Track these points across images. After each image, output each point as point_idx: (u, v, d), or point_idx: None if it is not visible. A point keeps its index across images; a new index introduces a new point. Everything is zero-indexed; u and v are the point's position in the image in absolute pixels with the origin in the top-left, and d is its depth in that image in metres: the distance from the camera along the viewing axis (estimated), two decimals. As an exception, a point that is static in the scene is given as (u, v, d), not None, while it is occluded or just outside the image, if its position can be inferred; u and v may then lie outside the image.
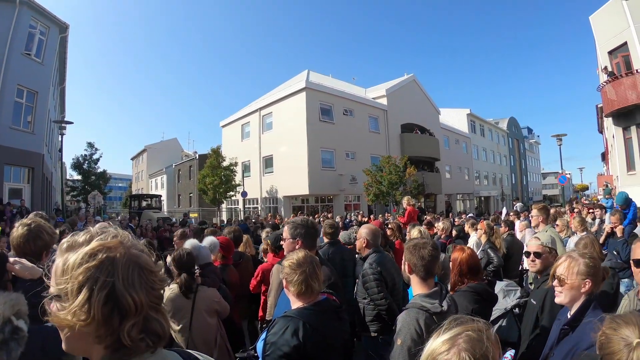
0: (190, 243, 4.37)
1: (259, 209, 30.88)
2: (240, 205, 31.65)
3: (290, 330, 2.22)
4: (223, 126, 37.82)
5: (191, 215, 28.86)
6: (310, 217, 16.65)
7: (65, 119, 21.48)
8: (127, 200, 47.22)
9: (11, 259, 2.03)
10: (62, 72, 25.50)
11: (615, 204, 8.99)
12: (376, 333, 3.88)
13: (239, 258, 5.62)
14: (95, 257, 0.98)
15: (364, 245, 4.31)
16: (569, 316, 2.43)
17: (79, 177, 34.42)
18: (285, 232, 3.59)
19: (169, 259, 3.96)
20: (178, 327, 3.60)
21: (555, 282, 2.47)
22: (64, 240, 1.06)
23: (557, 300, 2.48)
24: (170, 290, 3.72)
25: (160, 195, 38.89)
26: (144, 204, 33.17)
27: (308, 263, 2.47)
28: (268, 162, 30.64)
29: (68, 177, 35.22)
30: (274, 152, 29.71)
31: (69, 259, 0.99)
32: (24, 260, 2.11)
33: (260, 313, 4.96)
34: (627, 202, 8.13)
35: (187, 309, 3.66)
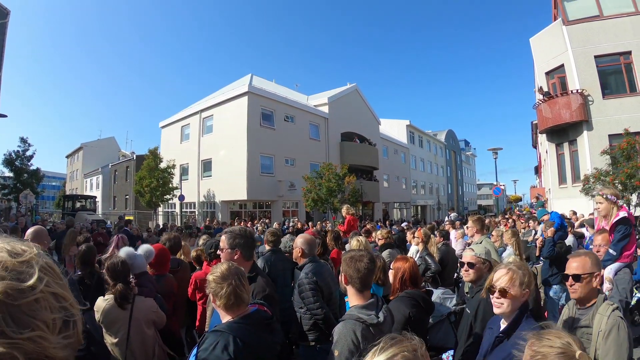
0: (124, 251, 4.27)
1: (196, 213, 30.46)
2: (178, 209, 31.02)
3: (221, 346, 2.16)
4: (162, 127, 36.86)
5: (127, 217, 28.08)
6: (249, 226, 16.92)
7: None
8: (61, 201, 45.12)
9: None
10: (-4, 59, 24.00)
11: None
12: (314, 342, 3.90)
13: (177, 265, 5.49)
14: None
15: (299, 255, 4.33)
16: (501, 325, 2.52)
17: (11, 175, 32.44)
18: (223, 241, 3.50)
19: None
20: (115, 340, 3.50)
21: (496, 294, 2.49)
22: None
23: (498, 311, 2.51)
24: (106, 301, 3.57)
25: (95, 197, 37.53)
26: (78, 205, 31.97)
27: (233, 275, 2.41)
28: (207, 166, 30.22)
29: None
30: (213, 156, 29.36)
31: None
32: None
33: (197, 323, 4.93)
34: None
35: (124, 321, 3.53)
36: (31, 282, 0.83)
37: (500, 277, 2.51)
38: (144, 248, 4.67)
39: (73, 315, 0.89)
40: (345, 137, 36.07)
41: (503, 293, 2.45)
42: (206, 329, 4.37)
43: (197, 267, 5.77)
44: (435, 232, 8.74)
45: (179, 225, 21.91)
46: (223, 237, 3.53)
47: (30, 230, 4.69)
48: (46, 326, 0.82)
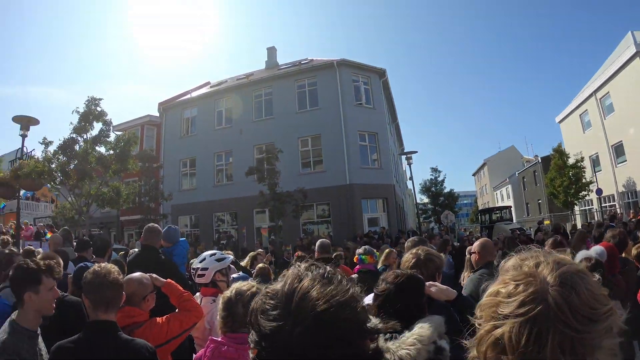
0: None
1: (617, 206, 26.44)
2: (595, 205, 27.88)
3: None
4: (559, 121, 34.94)
5: (545, 222, 27.22)
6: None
7: (406, 150, 24.40)
8: (476, 216, 48.44)
9: (427, 283, 2.22)
10: (392, 111, 29.17)
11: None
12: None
13: (624, 265, 4.74)
14: None
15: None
16: None
17: (428, 200, 37.86)
18: None
19: None
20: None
21: None
22: None
23: None
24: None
25: (510, 206, 38.29)
26: (494, 217, 33.25)
27: None
28: (618, 151, 26.06)
29: (419, 201, 39.10)
30: (622, 138, 25.11)
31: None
32: (437, 284, 2.36)
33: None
34: None
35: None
36: None
37: None
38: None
39: None
40: None
41: None
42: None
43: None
44: None
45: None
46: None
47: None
48: None
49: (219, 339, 2.32)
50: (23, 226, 15.46)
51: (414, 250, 2.93)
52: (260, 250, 8.44)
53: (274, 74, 24.84)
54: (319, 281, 0.95)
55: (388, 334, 1.46)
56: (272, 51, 29.28)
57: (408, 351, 1.43)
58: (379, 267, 6.07)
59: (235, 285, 2.48)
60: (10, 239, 9.94)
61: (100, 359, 2.14)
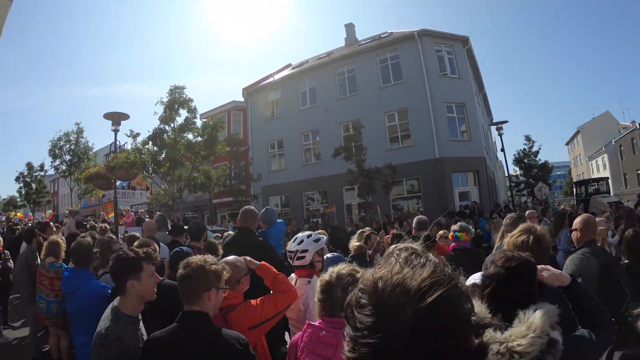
0: None
1: None
2: None
3: None
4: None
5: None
6: None
7: (494, 120, 23.31)
8: (570, 188, 45.60)
9: (539, 267, 2.05)
10: (478, 80, 27.80)
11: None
12: None
13: None
14: None
15: None
16: None
17: (520, 172, 36.11)
18: None
19: None
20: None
21: None
22: None
23: None
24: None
25: (607, 178, 35.62)
26: (590, 189, 31.05)
27: None
28: None
29: (512, 173, 37.35)
30: None
31: None
32: (550, 267, 2.14)
33: None
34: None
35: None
36: None
37: None
38: None
39: None
40: None
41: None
42: None
43: None
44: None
45: None
46: None
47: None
48: None
49: (317, 324, 2.26)
50: (124, 213, 16.56)
51: (521, 228, 2.67)
52: (367, 227, 8.23)
53: (355, 50, 24.58)
54: (418, 271, 0.83)
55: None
56: (350, 28, 28.96)
57: (520, 343, 1.31)
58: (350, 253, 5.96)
59: (335, 269, 2.40)
60: (108, 227, 10.65)
61: (191, 350, 2.12)
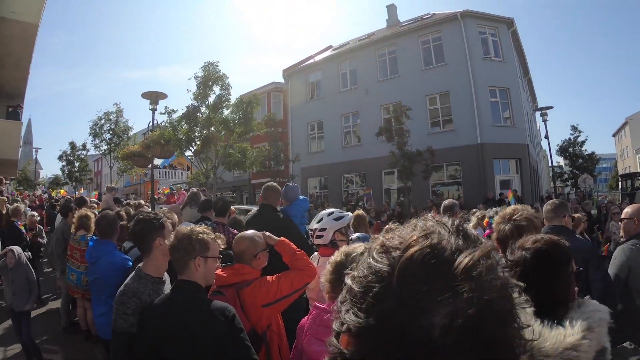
0: None
1: None
2: None
3: None
4: None
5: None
6: None
7: (539, 107, 22.48)
8: (615, 181, 43.80)
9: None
10: (523, 64, 26.76)
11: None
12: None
13: None
14: None
15: None
16: None
17: (565, 162, 34.95)
18: None
19: None
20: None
21: None
22: None
23: None
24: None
25: (657, 171, 33.90)
26: (636, 183, 29.66)
27: None
28: None
29: (555, 164, 36.28)
30: None
31: None
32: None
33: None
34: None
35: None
36: None
37: None
38: None
39: None
40: None
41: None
42: None
43: None
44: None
45: None
46: None
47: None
48: None
49: (323, 306, 2.20)
50: (175, 191, 16.84)
51: (501, 214, 2.66)
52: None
53: (396, 32, 24.10)
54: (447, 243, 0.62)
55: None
56: (392, 9, 28.36)
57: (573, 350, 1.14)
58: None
59: (348, 248, 2.31)
60: (144, 203, 10.90)
61: (176, 319, 2.14)
